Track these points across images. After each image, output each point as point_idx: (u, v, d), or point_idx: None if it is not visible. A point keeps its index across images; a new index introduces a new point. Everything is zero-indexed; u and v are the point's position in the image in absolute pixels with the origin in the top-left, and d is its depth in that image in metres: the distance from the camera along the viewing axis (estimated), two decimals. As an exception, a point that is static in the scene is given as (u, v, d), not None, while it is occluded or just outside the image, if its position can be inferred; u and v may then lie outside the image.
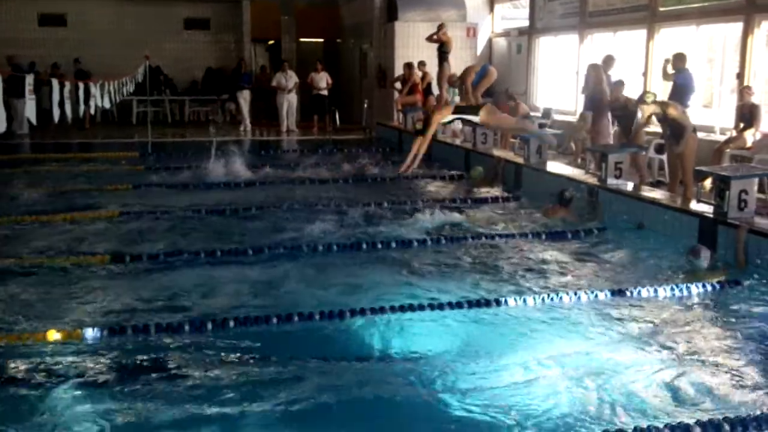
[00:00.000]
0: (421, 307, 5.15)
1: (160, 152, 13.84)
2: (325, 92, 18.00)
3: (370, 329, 4.83)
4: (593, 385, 3.89)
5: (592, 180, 8.53)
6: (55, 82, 8.44)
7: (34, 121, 7.53)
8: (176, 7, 20.91)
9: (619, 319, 5.01)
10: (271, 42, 22.82)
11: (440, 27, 14.66)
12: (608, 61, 10.99)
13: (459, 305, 5.19)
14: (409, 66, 15.31)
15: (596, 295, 5.44)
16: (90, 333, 4.66)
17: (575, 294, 5.40)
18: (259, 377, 4.03)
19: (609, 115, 10.03)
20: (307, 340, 4.76)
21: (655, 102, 8.11)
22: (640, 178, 8.91)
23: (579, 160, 11.31)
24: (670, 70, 10.05)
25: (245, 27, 20.95)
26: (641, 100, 8.16)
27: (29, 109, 7.10)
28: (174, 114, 20.34)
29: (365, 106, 18.03)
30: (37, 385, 3.94)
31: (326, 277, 5.92)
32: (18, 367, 4.21)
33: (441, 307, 5.16)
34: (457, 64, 14.65)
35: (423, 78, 15.29)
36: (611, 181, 8.08)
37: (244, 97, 17.94)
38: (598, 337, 4.71)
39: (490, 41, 18.14)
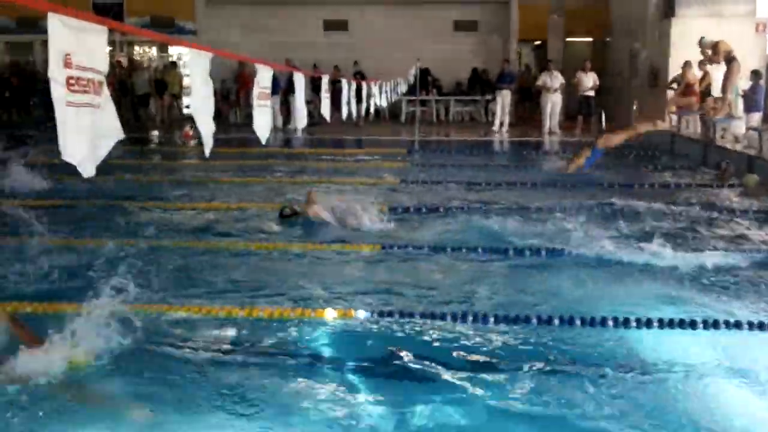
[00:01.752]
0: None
1: (425, 150, 14.43)
2: (591, 93, 17.47)
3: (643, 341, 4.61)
4: None
5: None
6: (344, 82, 9.25)
7: (328, 118, 8.24)
8: (446, 10, 21.63)
9: None
10: (537, 42, 22.65)
11: (715, 48, 13.04)
12: None
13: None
14: (687, 65, 14.21)
15: None
16: (362, 314, 5.03)
17: None
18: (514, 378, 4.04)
19: None
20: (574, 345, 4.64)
21: None
22: None
23: None
24: None
25: (512, 28, 21.05)
26: None
27: (324, 107, 7.79)
28: (439, 114, 21.07)
29: (634, 107, 17.14)
30: (313, 358, 4.35)
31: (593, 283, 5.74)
32: (295, 339, 4.66)
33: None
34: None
35: (702, 78, 14.09)
36: None
37: (504, 98, 18.04)
38: None
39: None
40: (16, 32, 22.15)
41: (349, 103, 9.27)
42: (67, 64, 2.29)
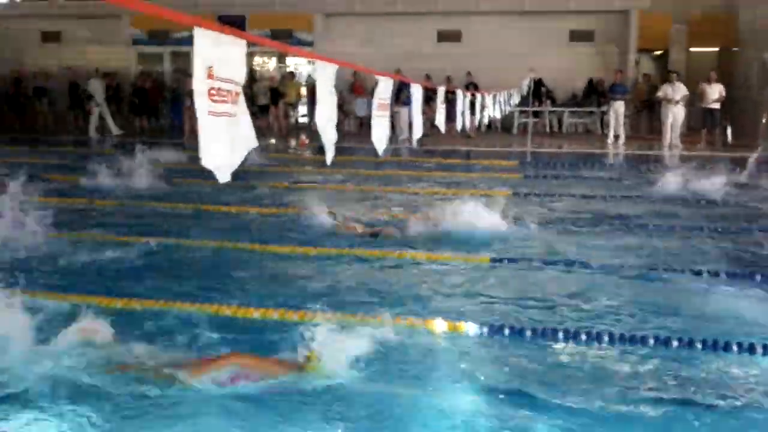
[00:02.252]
0: None
1: (538, 161, 14.22)
2: (716, 105, 16.68)
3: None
4: None
5: None
6: (459, 93, 9.30)
7: (443, 129, 8.29)
8: (562, 20, 21.23)
9: None
10: (658, 52, 21.86)
11: None
12: None
13: None
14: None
15: None
16: (472, 328, 4.98)
17: None
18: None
19: None
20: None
21: None
22: None
23: None
24: None
25: (631, 37, 20.41)
26: None
27: (439, 118, 7.85)
28: (552, 125, 20.69)
29: (763, 120, 16.23)
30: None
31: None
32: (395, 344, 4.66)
33: None
34: None
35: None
36: None
37: (616, 109, 17.51)
38: None
39: None
40: (148, 44, 23.57)
41: (463, 114, 9.30)
42: (210, 76, 2.44)
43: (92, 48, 23.51)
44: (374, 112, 4.69)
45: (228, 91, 2.55)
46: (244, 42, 2.61)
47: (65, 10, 23.79)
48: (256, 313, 5.03)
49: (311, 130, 20.57)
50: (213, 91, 2.46)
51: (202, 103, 2.42)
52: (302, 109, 22.53)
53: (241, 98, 2.67)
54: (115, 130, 19.98)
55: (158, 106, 21.50)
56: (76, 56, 23.16)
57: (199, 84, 2.40)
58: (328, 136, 3.66)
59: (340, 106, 20.51)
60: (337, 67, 3.71)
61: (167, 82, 22.40)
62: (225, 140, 2.55)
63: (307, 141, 17.55)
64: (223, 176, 2.55)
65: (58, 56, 23.53)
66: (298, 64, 23.87)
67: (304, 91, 22.21)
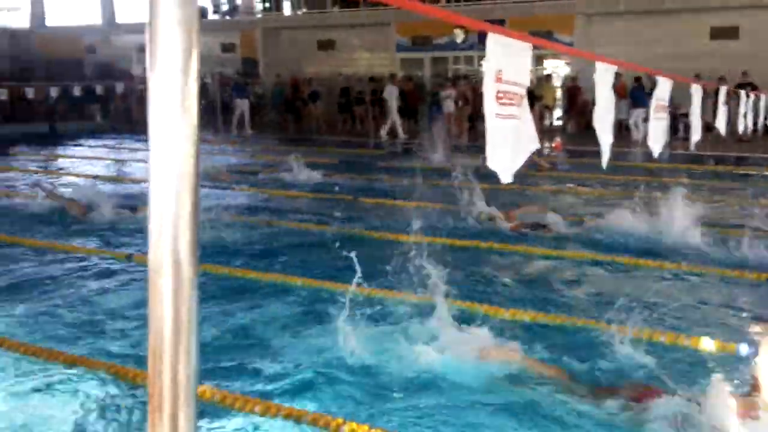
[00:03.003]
0: None
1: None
2: None
3: None
4: None
5: None
6: (742, 94, 8.57)
7: (723, 131, 7.70)
8: None
9: None
10: None
11: None
12: None
13: None
14: None
15: None
16: (744, 348, 4.57)
17: None
18: None
19: None
20: None
21: None
22: None
23: None
24: None
25: None
26: None
27: (720, 121, 7.30)
28: None
29: None
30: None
31: None
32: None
33: None
34: None
35: None
36: None
37: None
38: None
39: None
40: (411, 50, 24.75)
41: (745, 116, 8.52)
42: (498, 79, 2.52)
43: (361, 54, 25.27)
44: (652, 114, 4.50)
45: (514, 93, 2.62)
46: (530, 46, 2.66)
47: (340, 20, 25.83)
48: None
49: (566, 133, 20.17)
50: (500, 94, 2.54)
51: (490, 106, 2.51)
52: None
53: (525, 101, 2.72)
54: (401, 134, 20.22)
55: (417, 109, 22.43)
56: (347, 63, 25.04)
57: (489, 87, 2.50)
58: (605, 138, 3.59)
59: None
60: (615, 68, 3.62)
61: (426, 85, 23.31)
62: (510, 142, 2.63)
63: (561, 144, 17.22)
64: (506, 178, 2.62)
65: (331, 63, 25.61)
66: (556, 66, 23.53)
67: (559, 93, 21.86)
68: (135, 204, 8.92)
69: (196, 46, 1.01)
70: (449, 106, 19.85)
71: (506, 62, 2.57)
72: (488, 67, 2.50)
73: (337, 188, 10.44)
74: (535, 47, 2.82)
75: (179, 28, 0.99)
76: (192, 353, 1.06)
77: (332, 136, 20.68)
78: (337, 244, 4.75)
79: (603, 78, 3.45)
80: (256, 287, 5.98)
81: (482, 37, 2.52)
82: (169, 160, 1.01)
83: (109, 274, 6.46)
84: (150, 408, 1.04)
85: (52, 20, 35.00)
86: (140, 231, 7.64)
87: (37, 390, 4.00)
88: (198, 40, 1.01)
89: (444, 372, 4.11)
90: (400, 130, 20.31)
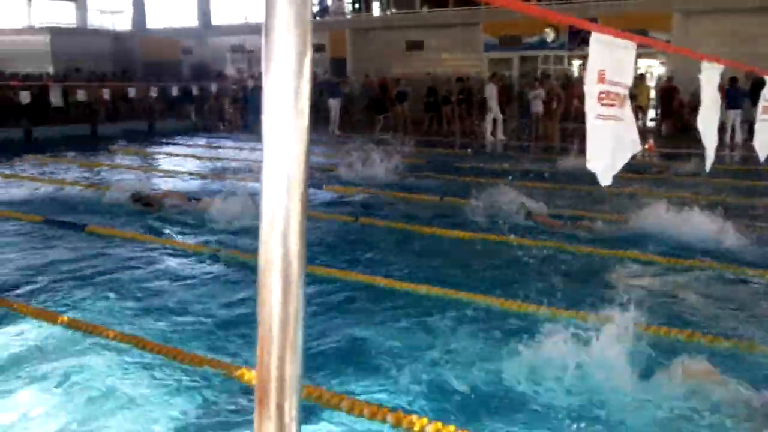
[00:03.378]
0: None
1: None
2: None
3: None
4: None
5: None
6: None
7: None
8: None
9: None
10: None
11: None
12: None
13: None
14: None
15: None
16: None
17: None
18: None
19: None
20: None
21: None
22: None
23: None
24: None
25: None
26: None
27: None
28: None
29: None
30: None
31: None
32: None
33: None
34: None
35: None
36: None
37: None
38: None
39: None
40: (499, 49, 24.48)
41: None
42: (601, 80, 2.45)
43: (449, 55, 25.17)
44: (758, 116, 4.28)
45: (617, 94, 2.54)
46: (634, 45, 2.58)
47: (428, 20, 25.82)
48: None
49: (660, 135, 19.45)
50: (602, 95, 2.48)
51: (591, 107, 2.44)
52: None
53: (627, 102, 2.63)
54: (501, 135, 19.87)
55: (505, 108, 22.12)
56: (435, 63, 24.99)
57: (591, 87, 2.43)
58: (709, 140, 3.43)
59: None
60: (722, 68, 3.46)
61: (515, 85, 22.99)
62: (610, 144, 2.55)
63: (654, 146, 16.65)
64: (606, 180, 2.55)
65: (419, 63, 25.62)
66: (649, 66, 22.77)
67: (653, 93, 21.12)
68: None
69: (309, 49, 1.02)
70: (537, 105, 19.50)
71: (609, 61, 2.50)
72: (591, 67, 2.43)
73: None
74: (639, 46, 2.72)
75: (294, 31, 1.00)
76: (297, 348, 1.08)
77: (420, 136, 20.64)
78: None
79: (709, 77, 3.31)
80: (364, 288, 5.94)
81: (572, 36, 2.46)
82: (281, 161, 1.03)
83: (196, 269, 6.64)
84: (257, 399, 1.07)
85: (152, 22, 36.53)
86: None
87: (161, 386, 4.09)
88: (311, 43, 1.03)
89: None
90: (500, 131, 19.95)
